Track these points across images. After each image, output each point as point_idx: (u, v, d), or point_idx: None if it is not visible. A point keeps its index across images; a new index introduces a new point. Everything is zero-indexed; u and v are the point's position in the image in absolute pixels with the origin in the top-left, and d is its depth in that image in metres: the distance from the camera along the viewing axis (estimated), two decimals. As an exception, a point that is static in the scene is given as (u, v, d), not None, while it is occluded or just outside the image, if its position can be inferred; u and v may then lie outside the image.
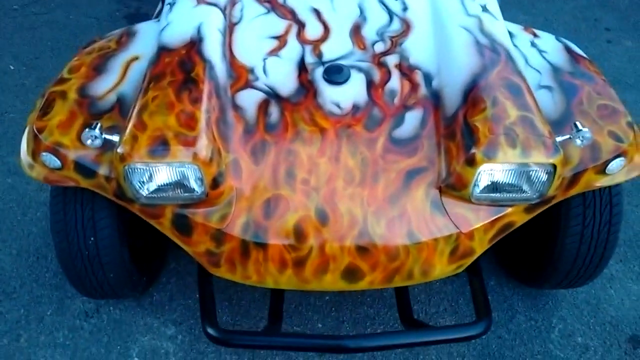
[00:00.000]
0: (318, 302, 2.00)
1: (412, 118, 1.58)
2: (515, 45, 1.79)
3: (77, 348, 1.84)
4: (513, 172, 1.42)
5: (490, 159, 1.38)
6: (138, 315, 1.92)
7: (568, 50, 1.81)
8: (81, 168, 1.44)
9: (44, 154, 1.45)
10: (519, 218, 1.53)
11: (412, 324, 1.61)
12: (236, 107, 1.58)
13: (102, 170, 1.44)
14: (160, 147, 1.35)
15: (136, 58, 1.70)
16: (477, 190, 1.45)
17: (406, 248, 1.47)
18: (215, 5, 1.81)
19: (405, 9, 1.87)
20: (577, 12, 4.00)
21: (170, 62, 1.58)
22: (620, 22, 3.89)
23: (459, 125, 1.49)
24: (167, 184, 1.41)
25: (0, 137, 2.75)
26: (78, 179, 1.46)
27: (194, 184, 1.41)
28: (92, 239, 1.58)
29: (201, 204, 1.45)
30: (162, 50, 1.63)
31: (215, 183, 1.42)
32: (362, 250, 1.46)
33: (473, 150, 1.40)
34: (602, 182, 1.51)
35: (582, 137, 1.42)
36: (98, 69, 1.66)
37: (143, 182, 1.39)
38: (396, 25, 1.82)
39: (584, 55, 1.80)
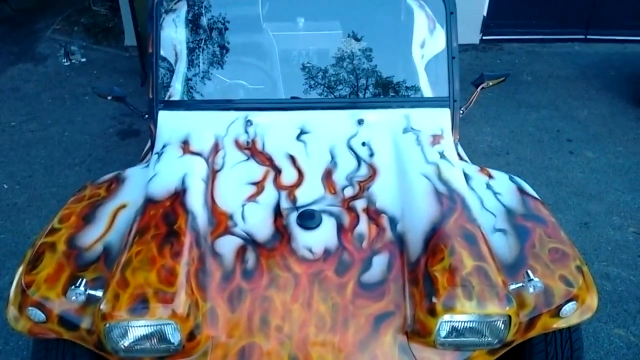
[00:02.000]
0: None
1: (379, 262, 1.71)
2: (471, 188, 1.96)
3: None
4: (472, 321, 1.52)
5: (448, 310, 1.49)
6: None
7: (520, 190, 1.98)
8: (65, 322, 1.52)
9: (30, 308, 1.54)
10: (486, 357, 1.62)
11: None
12: (215, 255, 1.70)
13: (85, 324, 1.52)
14: (140, 306, 1.44)
15: (124, 206, 1.83)
16: (441, 336, 1.54)
17: None
18: (199, 154, 1.99)
19: (371, 154, 2.06)
20: (539, 123, 4.31)
21: (155, 214, 1.72)
22: (581, 133, 4.20)
23: (421, 273, 1.61)
24: (145, 336, 1.49)
25: (-12, 260, 2.82)
26: (61, 331, 1.53)
27: (171, 338, 1.49)
28: None
29: (178, 355, 1.52)
30: (148, 202, 1.77)
31: (192, 335, 1.50)
32: None
33: (434, 301, 1.52)
34: (558, 324, 1.62)
35: (534, 285, 1.55)
36: (87, 218, 1.79)
37: (122, 336, 1.47)
38: (363, 170, 2.00)
39: (535, 195, 1.98)
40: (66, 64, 5.19)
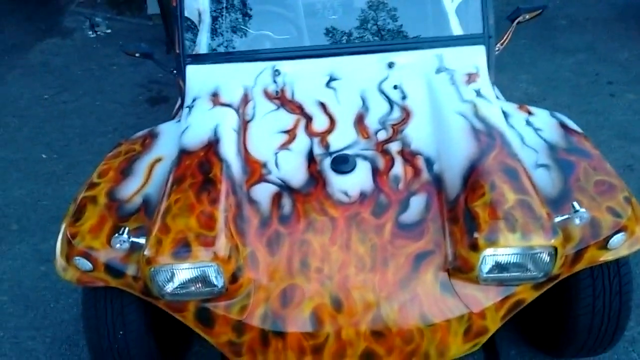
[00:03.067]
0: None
1: (417, 202, 1.68)
2: (511, 126, 1.89)
3: None
4: (516, 254, 1.49)
5: (491, 244, 1.46)
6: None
7: (563, 126, 1.91)
8: (111, 269, 1.56)
9: (76, 258, 1.58)
10: (529, 295, 1.59)
11: None
12: (251, 202, 1.70)
13: (130, 271, 1.55)
14: (183, 249, 1.46)
15: (159, 159, 1.85)
16: (484, 272, 1.51)
17: (420, 330, 1.53)
18: (229, 105, 1.98)
19: (404, 97, 2.01)
20: (577, 68, 4.13)
21: (190, 164, 1.72)
22: (621, 75, 4.00)
23: (461, 210, 1.58)
24: (189, 280, 1.51)
25: (34, 225, 2.91)
26: (108, 279, 1.57)
27: (214, 280, 1.51)
28: (121, 332, 1.67)
29: (221, 298, 1.55)
30: (183, 153, 1.78)
31: (234, 278, 1.52)
32: (377, 334, 1.52)
33: (475, 236, 1.48)
34: (605, 256, 1.57)
35: (580, 217, 1.50)
36: (125, 172, 1.81)
37: (167, 280, 1.50)
38: (396, 113, 1.96)
39: (578, 129, 1.90)
40: (92, 36, 5.23)
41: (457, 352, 1.59)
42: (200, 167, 1.71)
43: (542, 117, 1.96)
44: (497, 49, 2.18)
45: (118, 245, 1.50)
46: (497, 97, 2.28)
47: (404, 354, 1.55)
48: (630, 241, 1.58)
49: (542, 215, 1.49)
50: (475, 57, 2.11)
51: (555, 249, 1.47)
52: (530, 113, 1.99)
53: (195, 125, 1.89)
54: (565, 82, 3.97)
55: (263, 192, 1.73)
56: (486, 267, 1.51)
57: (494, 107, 1.90)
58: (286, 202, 1.70)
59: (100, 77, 4.51)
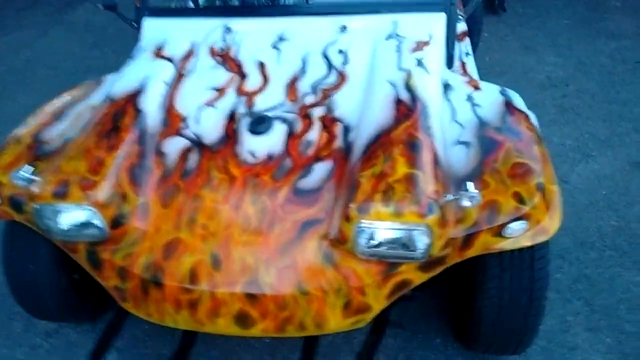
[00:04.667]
0: (256, 344, 2.03)
1: (320, 169, 1.61)
2: (447, 99, 1.76)
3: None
4: (391, 229, 1.39)
5: (363, 215, 1.38)
6: (90, 339, 2.08)
7: (507, 104, 1.74)
8: (13, 204, 1.63)
9: None
10: (415, 277, 1.49)
11: None
12: (159, 154, 1.71)
13: (29, 207, 1.62)
14: (62, 190, 1.50)
15: (91, 107, 1.90)
16: (360, 245, 1.43)
17: (295, 298, 1.48)
18: (169, 59, 1.99)
19: (345, 62, 1.91)
20: (617, 54, 3.74)
21: (108, 112, 1.76)
22: (665, 66, 3.58)
23: (350, 179, 1.49)
24: (75, 222, 1.55)
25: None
26: (12, 213, 1.65)
27: (97, 224, 1.54)
28: (31, 266, 1.76)
29: (108, 242, 1.58)
30: (106, 101, 1.81)
31: (115, 224, 1.54)
32: (252, 297, 1.49)
33: (350, 206, 1.40)
34: (502, 245, 1.43)
35: (471, 198, 1.37)
36: (56, 115, 1.88)
37: (50, 219, 1.55)
38: (332, 78, 1.87)
39: (523, 109, 1.72)
40: (134, -3, 5.42)
41: (337, 327, 1.53)
42: (114, 115, 1.74)
43: (487, 93, 1.79)
44: (460, 16, 2.01)
45: (16, 180, 1.57)
46: (465, 69, 2.13)
47: (279, 320, 1.51)
48: (534, 231, 1.42)
49: (423, 192, 1.38)
50: (433, 24, 1.97)
51: (432, 229, 1.35)
52: (477, 88, 1.82)
53: (128, 75, 1.92)
54: (598, 68, 3.61)
55: (174, 146, 1.73)
56: (362, 240, 1.42)
57: (431, 78, 1.77)
58: (193, 158, 1.69)
59: (129, 37, 4.68)
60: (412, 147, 1.50)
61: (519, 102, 1.77)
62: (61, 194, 1.50)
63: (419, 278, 1.49)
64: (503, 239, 1.42)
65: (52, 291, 1.80)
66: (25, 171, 1.57)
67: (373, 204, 1.37)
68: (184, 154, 1.70)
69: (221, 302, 1.51)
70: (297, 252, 1.50)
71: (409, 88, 1.71)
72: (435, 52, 1.89)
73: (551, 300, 2.12)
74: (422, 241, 1.39)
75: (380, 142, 1.54)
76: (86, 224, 1.55)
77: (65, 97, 1.99)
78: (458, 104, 1.75)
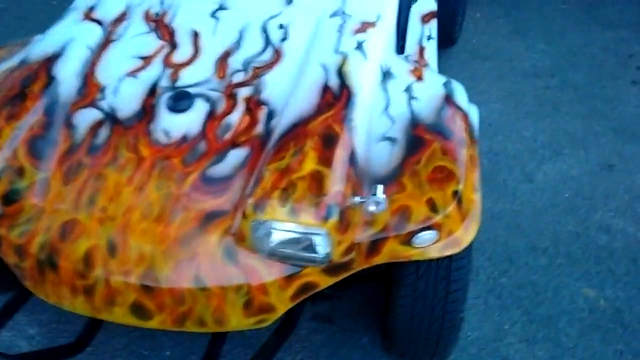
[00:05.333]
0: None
1: (234, 157, 1.49)
2: (384, 89, 1.62)
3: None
4: (288, 230, 1.28)
5: (258, 213, 1.27)
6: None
7: (447, 99, 1.60)
8: None
9: None
10: (321, 280, 1.39)
11: None
12: (69, 125, 1.59)
13: None
14: None
15: (7, 70, 1.77)
16: (259, 244, 1.33)
17: (192, 293, 1.39)
18: (99, 22, 1.85)
19: (284, 39, 1.77)
20: (610, 45, 3.54)
21: (18, 76, 1.63)
22: (659, 62, 3.39)
23: (257, 171, 1.38)
24: None
25: None
26: None
27: None
28: None
29: (4, 219, 1.48)
30: (21, 64, 1.69)
31: (8, 200, 1.44)
32: (148, 289, 1.40)
33: (248, 201, 1.30)
34: (410, 255, 1.33)
35: (376, 203, 1.26)
36: None
37: None
38: (267, 55, 1.73)
39: (462, 106, 1.59)
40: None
41: (238, 325, 1.45)
42: (23, 80, 1.62)
43: (429, 85, 1.65)
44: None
45: None
46: (422, 55, 1.98)
47: (176, 314, 1.43)
48: (444, 243, 1.31)
49: (326, 192, 1.26)
50: (383, 4, 1.81)
51: (330, 234, 1.25)
52: (419, 78, 1.68)
53: (51, 37, 1.78)
54: (588, 59, 3.42)
55: (85, 118, 1.61)
56: (259, 239, 1.32)
57: (367, 64, 1.62)
58: (103, 132, 1.58)
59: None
60: (327, 141, 1.38)
61: (461, 97, 1.63)
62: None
63: (324, 282, 1.39)
64: (411, 249, 1.31)
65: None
66: None
67: (269, 202, 1.26)
68: (94, 128, 1.58)
69: (116, 290, 1.42)
70: (197, 245, 1.40)
71: (340, 74, 1.57)
72: (381, 36, 1.74)
73: (490, 305, 2.05)
74: (320, 245, 1.28)
75: (295, 132, 1.42)
76: None
77: (-9, 57, 1.86)
78: (394, 95, 1.61)
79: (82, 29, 1.81)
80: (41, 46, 1.75)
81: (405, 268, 1.46)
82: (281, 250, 1.31)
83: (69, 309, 1.52)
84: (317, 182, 1.28)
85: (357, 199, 1.29)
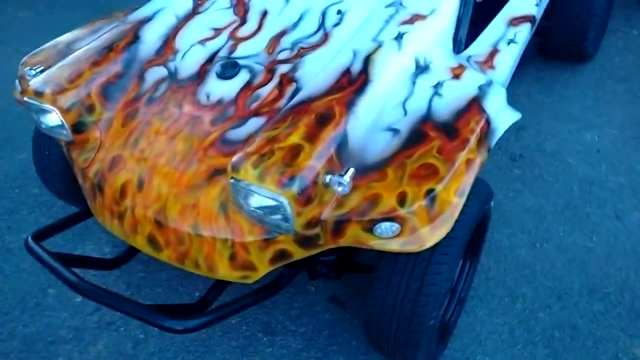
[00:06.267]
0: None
1: (252, 124, 1.62)
2: (413, 82, 1.59)
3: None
4: (259, 194, 1.36)
5: (234, 173, 1.37)
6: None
7: (473, 100, 1.52)
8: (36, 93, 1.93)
9: (17, 80, 2.02)
10: (294, 250, 1.45)
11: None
12: (140, 78, 1.87)
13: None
14: (40, 89, 1.73)
15: (122, 27, 2.12)
16: (239, 203, 1.43)
17: (190, 237, 1.57)
18: (192, -6, 2.11)
19: (337, 24, 1.83)
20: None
21: (112, 34, 1.95)
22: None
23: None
24: (47, 122, 1.80)
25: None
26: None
27: (62, 125, 1.77)
28: (47, 151, 2.11)
29: (75, 145, 1.81)
30: (123, 23, 2.02)
31: (76, 129, 1.76)
32: (159, 224, 1.61)
33: (231, 160, 1.41)
34: (372, 243, 1.31)
35: (342, 184, 1.27)
36: (93, 30, 2.15)
37: (37, 116, 1.81)
38: (316, 37, 1.81)
39: (488, 111, 1.49)
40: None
41: (226, 275, 1.58)
42: (114, 37, 1.93)
43: (462, 85, 1.57)
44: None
45: (26, 75, 1.88)
46: (491, 59, 1.88)
47: (179, 253, 1.61)
48: (406, 239, 1.28)
49: (296, 164, 1.31)
50: (444, -2, 1.76)
51: (289, 203, 1.30)
52: (456, 77, 1.61)
53: (148, 5, 2.09)
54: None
55: (154, 74, 1.87)
56: (238, 198, 1.42)
57: (399, 55, 1.60)
58: (162, 88, 1.82)
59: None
60: (321, 120, 1.42)
61: (493, 102, 1.52)
62: (38, 93, 1.76)
63: (298, 252, 1.45)
64: (372, 237, 1.30)
65: (60, 177, 2.15)
66: (35, 69, 1.87)
67: (244, 163, 1.35)
68: (157, 83, 1.84)
69: (138, 221, 1.66)
70: (201, 195, 1.56)
71: (366, 61, 1.59)
72: (429, 29, 1.70)
73: (516, 336, 1.89)
74: (282, 214, 1.34)
75: (301, 107, 1.48)
76: (57, 125, 1.80)
77: (112, 16, 2.26)
78: (420, 89, 1.57)
79: (176, 0, 2.09)
80: (142, 10, 2.07)
81: (382, 261, 1.45)
82: (255, 211, 1.41)
83: (110, 230, 1.80)
84: (293, 154, 1.34)
85: (328, 177, 1.32)
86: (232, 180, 1.39)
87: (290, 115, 1.47)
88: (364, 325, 1.59)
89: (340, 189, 1.29)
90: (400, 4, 1.79)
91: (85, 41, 2.08)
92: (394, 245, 1.30)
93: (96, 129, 1.78)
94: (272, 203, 1.34)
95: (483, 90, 1.56)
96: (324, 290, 2.07)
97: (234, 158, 1.40)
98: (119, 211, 1.69)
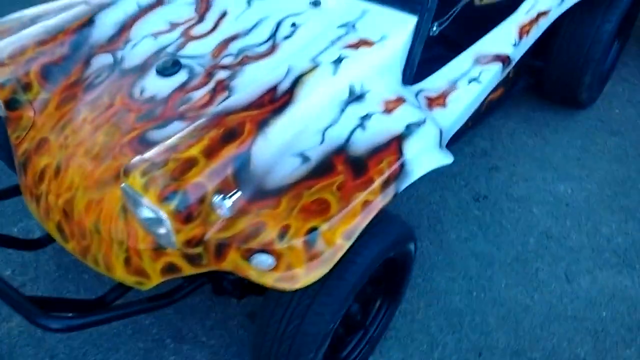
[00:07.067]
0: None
1: (173, 128, 1.57)
2: (342, 110, 1.52)
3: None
4: (146, 205, 1.31)
5: (124, 178, 1.32)
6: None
7: (395, 139, 1.45)
8: None
9: None
10: (183, 265, 1.40)
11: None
12: (86, 63, 1.84)
13: None
14: None
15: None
16: (131, 209, 1.39)
17: (91, 233, 1.53)
18: (157, -15, 2.08)
19: (288, 36, 1.76)
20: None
21: (69, 14, 1.93)
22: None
23: None
24: None
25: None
26: None
27: None
28: None
29: (10, 122, 1.80)
30: (83, 5, 1.99)
31: (9, 105, 1.74)
32: (66, 215, 1.59)
33: (126, 162, 1.36)
34: (249, 273, 1.26)
35: (222, 207, 1.22)
36: (63, 7, 2.08)
37: None
38: (264, 47, 1.75)
39: (406, 153, 1.41)
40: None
41: (122, 277, 1.54)
42: (71, 18, 1.91)
43: (391, 121, 1.50)
44: (434, 28, 1.65)
45: None
46: (443, 97, 1.80)
47: (81, 246, 1.58)
48: (279, 274, 1.22)
49: (184, 179, 1.26)
50: (395, 25, 1.68)
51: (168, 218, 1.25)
52: (388, 111, 1.53)
53: (117, -10, 2.07)
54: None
55: (100, 61, 1.85)
56: (128, 203, 1.37)
57: (332, 80, 1.54)
58: (103, 76, 1.79)
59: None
60: (226, 136, 1.36)
61: (417, 143, 1.44)
62: (-23, 66, 1.75)
63: (187, 268, 1.40)
64: (249, 267, 1.25)
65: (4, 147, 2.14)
66: None
67: (135, 170, 1.31)
68: (100, 70, 1.81)
69: (50, 207, 1.63)
70: (107, 192, 1.52)
71: (296, 80, 1.52)
72: (373, 56, 1.62)
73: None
74: (163, 228, 1.29)
75: (215, 119, 1.43)
76: None
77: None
78: (346, 118, 1.50)
79: (143, -11, 2.06)
80: (103, -4, 2.04)
81: (270, 291, 1.39)
82: (142, 221, 1.36)
83: (31, 210, 1.78)
84: (185, 168, 1.29)
85: (214, 198, 1.27)
86: (123, 185, 1.34)
87: (202, 126, 1.42)
88: (251, 352, 1.53)
89: (219, 211, 1.23)
90: (353, 27, 1.73)
91: (48, 17, 2.06)
92: (268, 280, 1.23)
93: (30, 108, 1.76)
94: (153, 215, 1.30)
95: (410, 129, 1.48)
96: (245, 304, 2.02)
97: (131, 161, 1.36)
98: (36, 194, 1.67)
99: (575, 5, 2.46)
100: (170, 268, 1.43)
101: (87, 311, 1.60)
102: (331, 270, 1.32)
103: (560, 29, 2.67)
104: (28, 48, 1.79)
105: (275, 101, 1.47)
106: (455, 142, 2.42)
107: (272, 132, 1.41)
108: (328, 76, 1.55)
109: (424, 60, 1.83)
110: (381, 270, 1.63)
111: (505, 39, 2.10)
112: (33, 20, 2.03)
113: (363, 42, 1.66)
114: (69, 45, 1.85)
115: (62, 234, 1.61)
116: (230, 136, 1.37)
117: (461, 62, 1.93)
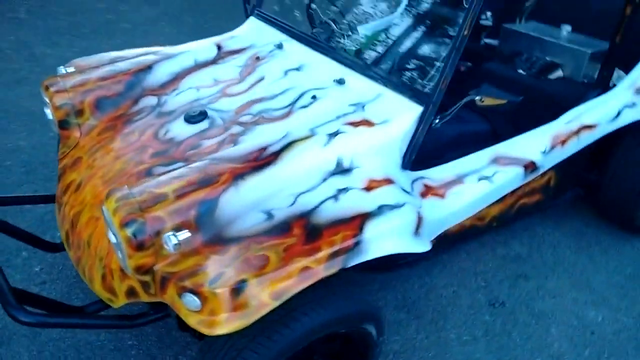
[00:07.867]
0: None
1: (175, 167, 1.72)
2: (323, 179, 1.58)
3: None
4: (110, 228, 1.44)
5: (105, 200, 1.46)
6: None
7: (358, 216, 1.47)
8: None
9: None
10: (139, 290, 1.50)
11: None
12: (135, 102, 2.11)
13: None
14: (51, 84, 2.04)
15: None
16: (107, 230, 1.52)
17: (84, 246, 1.71)
18: (219, 47, 2.34)
19: (305, 106, 1.89)
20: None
21: (139, 61, 2.24)
22: None
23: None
24: (49, 115, 2.10)
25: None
26: None
27: (52, 119, 2.05)
28: None
29: (62, 138, 2.08)
30: (152, 54, 2.30)
31: (62, 124, 2.02)
32: (73, 226, 1.79)
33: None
34: (181, 311, 1.33)
35: (169, 243, 1.32)
36: (140, 53, 2.45)
37: (45, 106, 2.12)
38: (280, 112, 1.89)
39: (366, 234, 1.42)
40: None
41: (99, 292, 1.67)
42: (137, 63, 2.21)
43: (366, 199, 1.53)
44: (437, 120, 1.67)
45: (59, 72, 2.22)
46: (435, 188, 1.80)
47: (77, 256, 1.76)
48: (202, 317, 1.29)
49: (147, 211, 1.38)
50: (401, 111, 1.72)
51: (126, 242, 1.36)
52: (367, 189, 1.56)
53: (184, 45, 2.36)
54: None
55: (147, 102, 2.10)
56: (105, 223, 1.51)
57: (320, 151, 1.62)
58: (143, 114, 2.04)
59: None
60: (203, 181, 1.48)
61: (382, 225, 1.45)
62: (46, 88, 2.07)
63: (142, 294, 1.50)
64: (181, 304, 1.31)
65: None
66: (67, 68, 2.21)
67: (114, 194, 1.45)
68: (142, 109, 2.06)
69: (64, 216, 1.85)
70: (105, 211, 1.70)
71: (288, 145, 1.62)
72: (371, 136, 1.68)
73: None
74: (119, 251, 1.41)
75: (205, 165, 1.55)
76: (50, 118, 2.09)
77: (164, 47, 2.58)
78: (325, 188, 1.55)
79: (204, 47, 2.33)
80: (170, 49, 2.34)
81: (208, 336, 1.43)
82: (110, 241, 1.49)
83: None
84: (154, 201, 1.42)
85: (167, 233, 1.37)
86: (103, 207, 1.50)
87: (190, 169, 1.56)
88: None
89: (165, 246, 1.33)
90: (362, 107, 1.81)
91: (123, 60, 2.40)
92: (192, 320, 1.29)
93: (78, 130, 2.04)
94: (113, 239, 1.43)
95: (381, 210, 1.50)
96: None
97: (118, 187, 1.52)
98: (59, 203, 1.90)
99: (636, 122, 2.34)
100: (131, 291, 1.54)
101: (73, 313, 1.73)
102: (263, 329, 1.34)
103: (620, 144, 2.52)
104: (90, 81, 2.10)
105: (261, 159, 1.58)
106: (473, 239, 2.35)
107: (245, 186, 1.50)
108: (318, 146, 1.64)
109: (435, 148, 1.85)
110: (335, 346, 1.60)
111: (533, 145, 2.06)
112: (112, 61, 2.37)
113: (365, 122, 1.73)
114: (125, 85, 2.13)
115: (68, 242, 1.81)
116: (205, 182, 1.49)
117: (475, 159, 1.92)
